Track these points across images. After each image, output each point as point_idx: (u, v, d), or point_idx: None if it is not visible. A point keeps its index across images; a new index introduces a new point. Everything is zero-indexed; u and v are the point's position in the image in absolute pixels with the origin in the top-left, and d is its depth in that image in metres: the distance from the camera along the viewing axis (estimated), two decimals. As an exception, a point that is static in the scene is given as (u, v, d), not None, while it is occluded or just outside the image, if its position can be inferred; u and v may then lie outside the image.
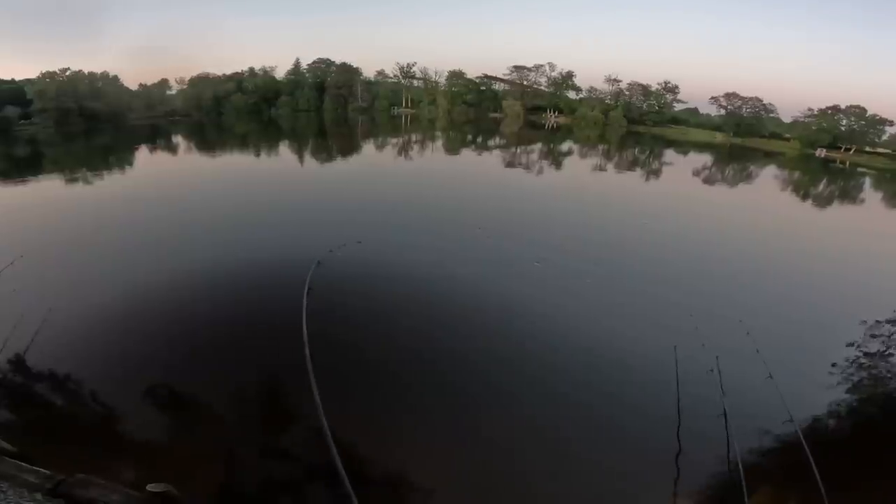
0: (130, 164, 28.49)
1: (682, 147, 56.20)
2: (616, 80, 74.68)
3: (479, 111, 76.02)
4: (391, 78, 79.07)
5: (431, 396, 6.82)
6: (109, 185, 21.33)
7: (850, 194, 35.33)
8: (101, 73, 52.50)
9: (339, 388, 6.53)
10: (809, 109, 63.41)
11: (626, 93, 74.64)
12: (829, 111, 61.19)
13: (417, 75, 78.75)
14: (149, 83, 62.04)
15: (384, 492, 5.25)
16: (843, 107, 60.57)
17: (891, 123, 59.88)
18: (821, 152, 59.51)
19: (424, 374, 7.30)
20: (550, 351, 8.07)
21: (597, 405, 6.74)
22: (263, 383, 6.80)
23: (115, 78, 54.04)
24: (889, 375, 8.42)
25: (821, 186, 37.68)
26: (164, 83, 64.38)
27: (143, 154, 33.57)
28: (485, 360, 7.69)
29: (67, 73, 49.01)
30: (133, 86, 58.53)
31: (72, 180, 22.40)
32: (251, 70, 69.26)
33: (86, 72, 50.63)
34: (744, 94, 68.46)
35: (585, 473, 5.58)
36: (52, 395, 6.37)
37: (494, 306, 9.59)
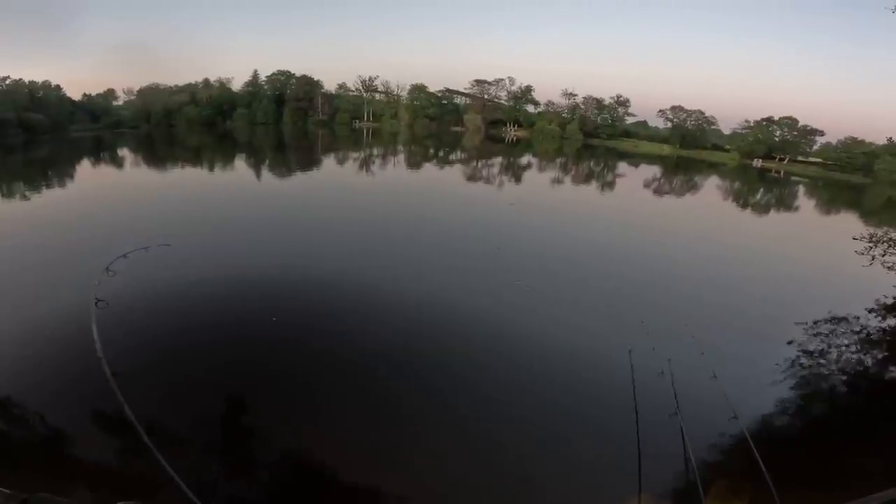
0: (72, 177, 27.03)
1: (634, 159, 59.00)
2: (572, 94, 77.94)
3: (441, 125, 77.11)
4: (353, 91, 78.93)
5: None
6: None
7: (785, 202, 38.15)
8: (43, 83, 49.81)
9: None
10: (746, 121, 68.54)
11: (582, 106, 77.87)
12: (764, 122, 66.05)
13: (379, 89, 79.21)
14: (94, 93, 59.37)
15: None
16: (776, 118, 65.59)
17: (821, 133, 65.38)
18: (757, 162, 63.91)
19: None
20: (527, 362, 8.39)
21: (565, 405, 7.06)
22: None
23: (58, 87, 51.43)
24: (828, 373, 9.02)
25: (758, 195, 40.47)
26: (109, 93, 61.67)
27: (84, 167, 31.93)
28: (476, 372, 7.83)
29: (7, 82, 46.12)
30: (76, 96, 55.85)
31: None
32: (205, 81, 67.29)
33: (26, 80, 47.95)
34: (688, 107, 73.21)
35: (555, 477, 5.80)
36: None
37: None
